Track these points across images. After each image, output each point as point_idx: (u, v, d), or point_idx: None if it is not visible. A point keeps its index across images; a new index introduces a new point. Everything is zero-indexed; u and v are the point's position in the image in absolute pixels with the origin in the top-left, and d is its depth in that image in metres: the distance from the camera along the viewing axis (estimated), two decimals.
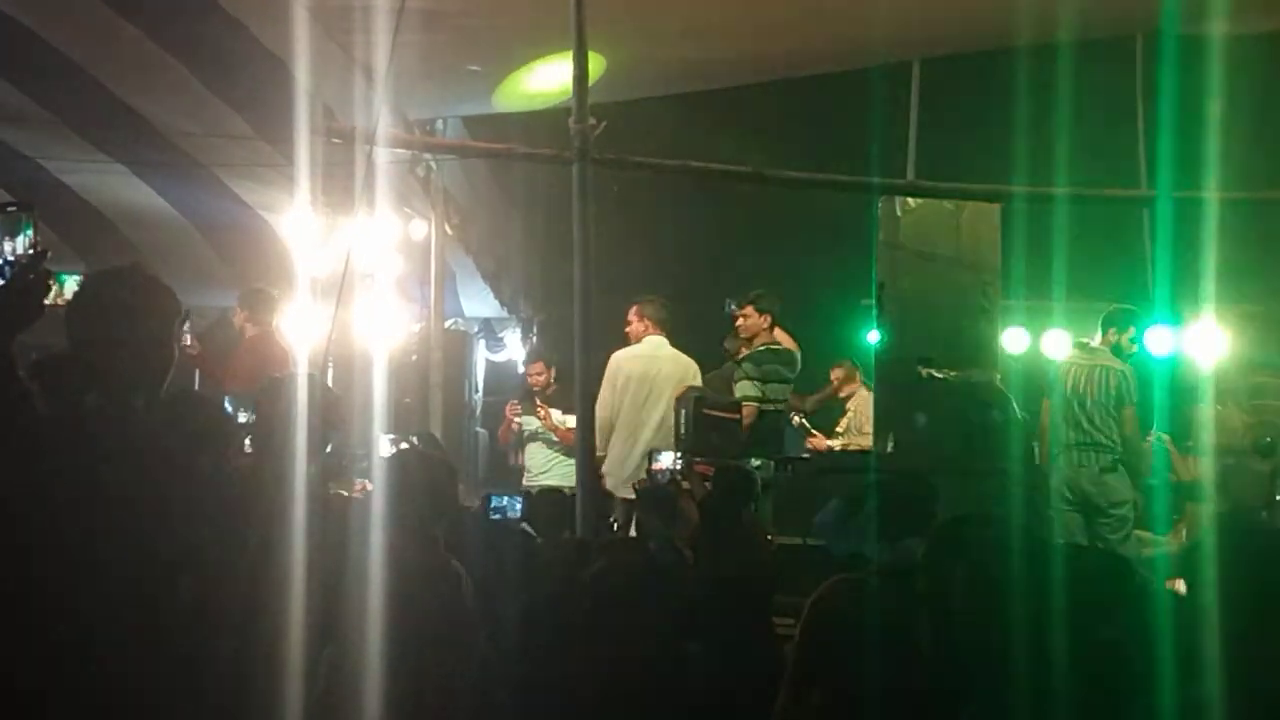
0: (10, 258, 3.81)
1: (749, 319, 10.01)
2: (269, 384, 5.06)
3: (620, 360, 10.18)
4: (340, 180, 11.34)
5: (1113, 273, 15.10)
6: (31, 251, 3.79)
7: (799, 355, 10.08)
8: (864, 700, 3.93)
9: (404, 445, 10.02)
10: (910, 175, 13.30)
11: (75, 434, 3.83)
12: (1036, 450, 9.76)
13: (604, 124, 7.99)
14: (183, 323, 4.05)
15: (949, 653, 3.92)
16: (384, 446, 10.05)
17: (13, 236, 3.82)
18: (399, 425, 11.67)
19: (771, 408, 9.68)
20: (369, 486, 5.93)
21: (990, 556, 3.72)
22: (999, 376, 9.81)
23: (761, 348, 9.93)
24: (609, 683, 4.31)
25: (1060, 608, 3.31)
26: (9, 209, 3.82)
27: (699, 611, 4.88)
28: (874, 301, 9.92)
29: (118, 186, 12.74)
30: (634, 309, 10.44)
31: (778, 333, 10.07)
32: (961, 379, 9.43)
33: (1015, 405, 9.91)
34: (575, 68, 7.92)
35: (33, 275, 3.83)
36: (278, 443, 4.51)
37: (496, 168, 14.02)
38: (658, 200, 14.30)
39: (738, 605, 5.44)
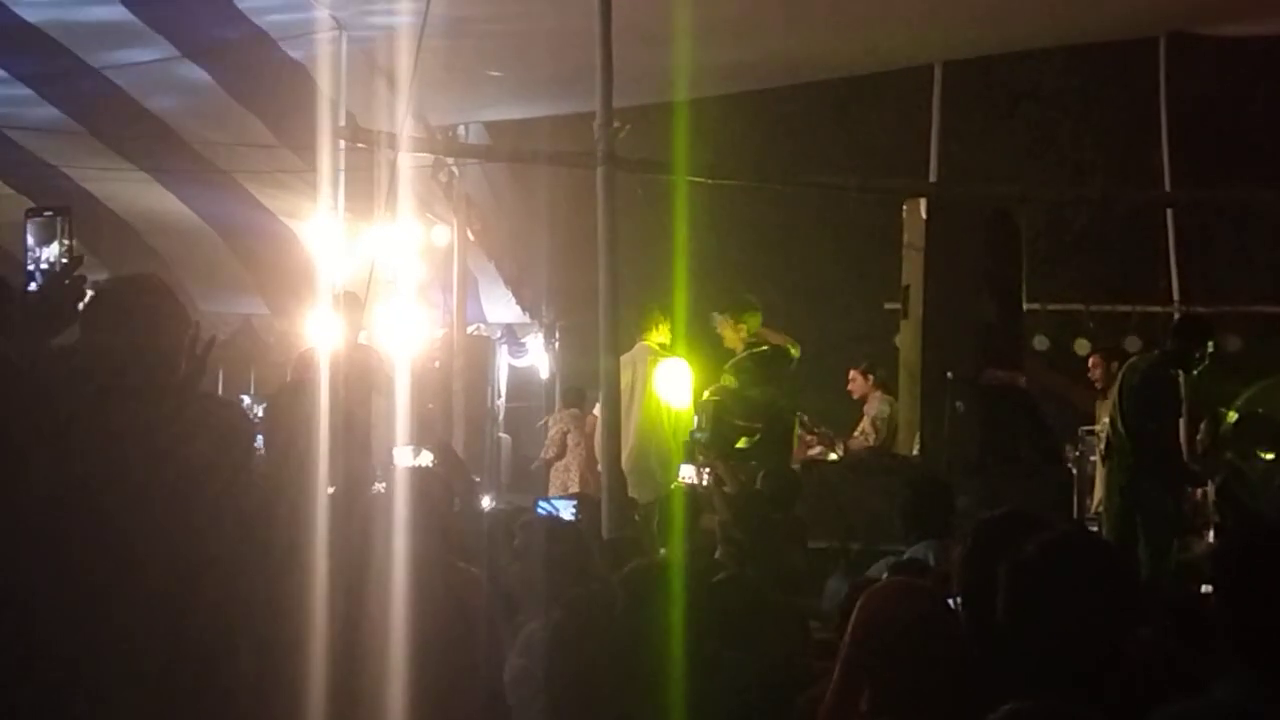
0: (45, 264, 3.83)
1: (725, 331, 10.01)
2: (283, 391, 5.06)
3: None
4: (363, 186, 11.37)
5: (1135, 275, 15.12)
6: (66, 258, 3.81)
7: (791, 349, 10.03)
8: (913, 701, 3.91)
9: (421, 455, 10.04)
10: (933, 177, 13.31)
11: (94, 437, 3.84)
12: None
13: (627, 127, 8.00)
14: (194, 336, 4.06)
15: (989, 653, 3.92)
16: (403, 457, 10.09)
17: (48, 242, 3.84)
18: (422, 431, 11.65)
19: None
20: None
21: (1031, 554, 3.72)
22: (1023, 379, 9.79)
23: (743, 354, 9.93)
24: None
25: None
26: (45, 214, 3.83)
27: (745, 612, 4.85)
28: (899, 305, 9.92)
29: (141, 193, 12.79)
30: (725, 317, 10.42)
31: (765, 333, 10.05)
32: (986, 380, 9.41)
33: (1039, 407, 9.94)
34: (600, 73, 7.92)
35: (67, 281, 3.85)
36: (296, 450, 4.51)
37: (518, 173, 14.03)
38: (677, 204, 14.30)
39: (784, 606, 5.44)
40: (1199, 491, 10.31)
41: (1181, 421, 9.92)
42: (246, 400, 12.30)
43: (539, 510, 7.29)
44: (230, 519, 4.53)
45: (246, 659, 3.97)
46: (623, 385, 9.84)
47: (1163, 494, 8.92)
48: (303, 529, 4.53)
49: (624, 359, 10.02)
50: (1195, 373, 9.44)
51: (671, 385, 9.95)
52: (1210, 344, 9.29)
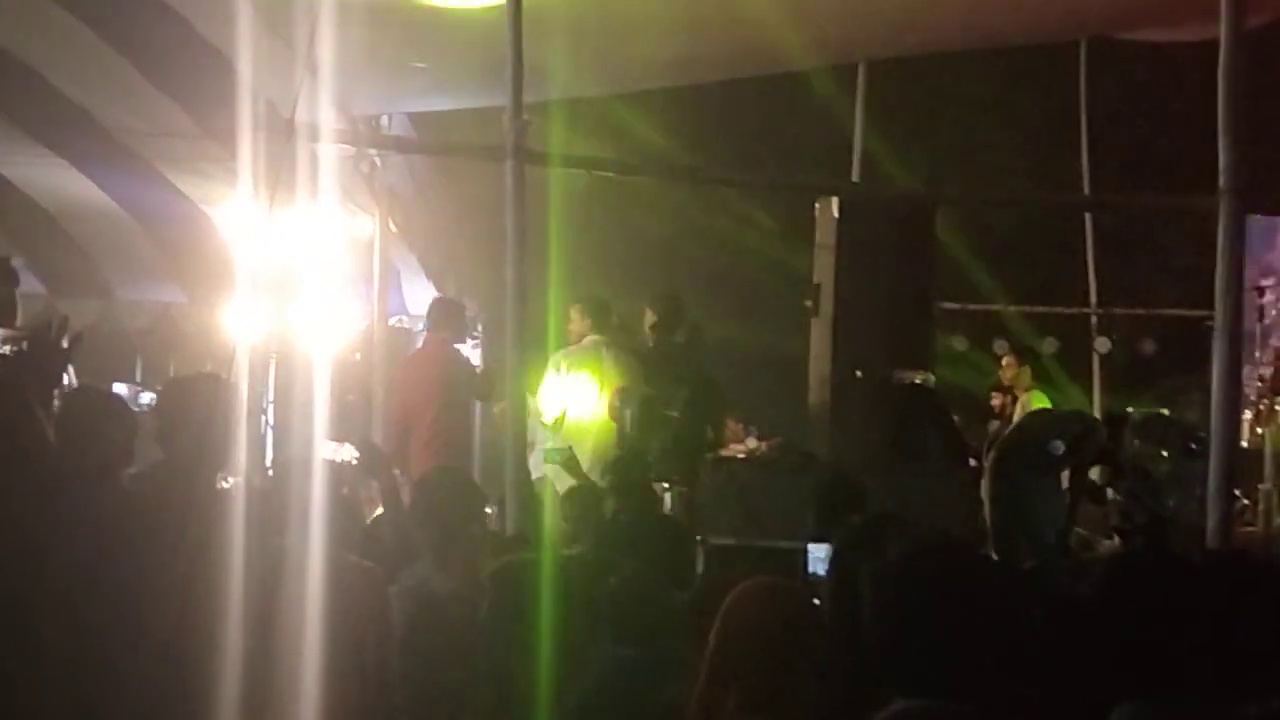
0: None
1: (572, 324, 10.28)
2: (174, 384, 5.03)
3: (561, 360, 10.25)
4: (283, 175, 11.29)
5: (1053, 277, 15.23)
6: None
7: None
8: (779, 701, 3.91)
9: (344, 450, 10.01)
10: (855, 176, 13.38)
11: None
12: None
13: (536, 120, 7.99)
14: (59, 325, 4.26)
15: (856, 655, 3.93)
16: (324, 452, 10.04)
17: None
18: (343, 423, 11.61)
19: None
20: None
21: (897, 559, 3.73)
22: (933, 379, 9.84)
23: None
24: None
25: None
26: None
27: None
28: (811, 303, 9.95)
29: (59, 180, 12.65)
30: (575, 307, 10.50)
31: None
32: (895, 380, 9.46)
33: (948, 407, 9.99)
34: (512, 65, 7.91)
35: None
36: (186, 444, 4.49)
37: (443, 165, 13.99)
38: (605, 200, 14.32)
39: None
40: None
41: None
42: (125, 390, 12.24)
43: None
44: (102, 510, 4.51)
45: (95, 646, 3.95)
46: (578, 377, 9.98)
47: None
48: (191, 520, 4.51)
49: (577, 350, 10.15)
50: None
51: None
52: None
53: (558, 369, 10.24)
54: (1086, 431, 9.43)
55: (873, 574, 3.55)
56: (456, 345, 11.45)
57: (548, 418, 10.20)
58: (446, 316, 11.25)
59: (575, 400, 10.04)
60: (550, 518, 7.67)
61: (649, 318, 10.46)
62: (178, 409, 4.63)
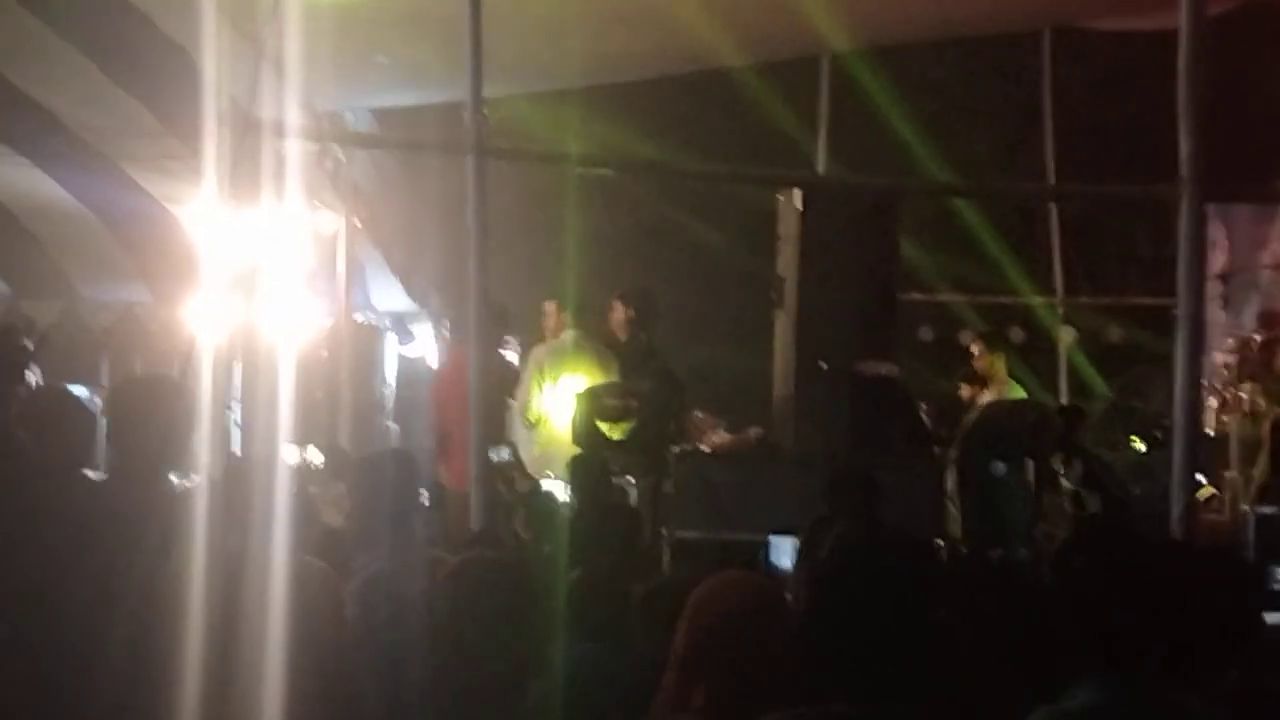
0: None
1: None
2: (124, 385, 5.01)
3: (539, 355, 10.31)
4: (247, 172, 11.25)
5: (1019, 267, 15.25)
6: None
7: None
8: (747, 695, 3.90)
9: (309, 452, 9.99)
10: (821, 169, 13.38)
11: None
12: None
13: (498, 115, 7.99)
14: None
15: (812, 649, 3.91)
16: (289, 455, 10.01)
17: None
18: (309, 421, 11.58)
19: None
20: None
21: (842, 555, 3.73)
22: (897, 370, 9.85)
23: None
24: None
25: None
26: None
27: None
28: (775, 295, 9.95)
29: (19, 178, 12.58)
30: (552, 303, 10.56)
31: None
32: (859, 372, 9.46)
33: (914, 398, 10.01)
34: (472, 59, 7.90)
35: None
36: (136, 446, 4.46)
37: (408, 161, 13.96)
38: (568, 195, 14.31)
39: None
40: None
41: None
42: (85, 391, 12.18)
43: None
44: (66, 508, 4.49)
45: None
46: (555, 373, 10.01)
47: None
48: (148, 521, 4.49)
49: (554, 346, 10.19)
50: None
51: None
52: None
53: (539, 368, 10.25)
54: (1043, 420, 9.46)
55: (807, 572, 3.53)
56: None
57: (531, 416, 10.22)
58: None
59: (555, 398, 10.07)
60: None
61: (622, 313, 10.45)
62: (126, 411, 4.59)
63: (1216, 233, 13.19)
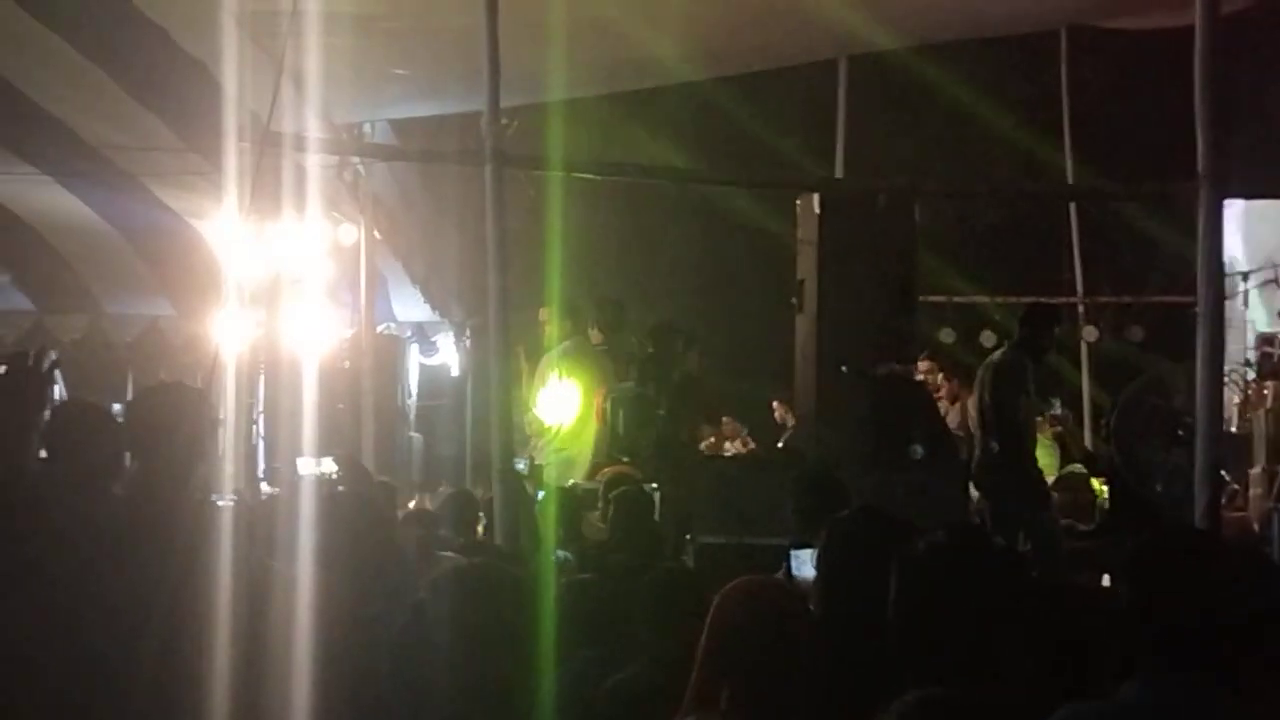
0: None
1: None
2: (145, 392, 5.02)
3: (557, 363, 10.37)
4: (268, 186, 11.30)
5: (1039, 267, 15.25)
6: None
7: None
8: (770, 699, 3.92)
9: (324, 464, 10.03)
10: (839, 172, 13.38)
11: None
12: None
13: (515, 124, 8.01)
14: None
15: (842, 652, 3.94)
16: (305, 467, 10.07)
17: None
18: (331, 432, 11.62)
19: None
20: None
21: (875, 553, 3.74)
22: (916, 372, 9.86)
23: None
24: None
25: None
26: None
27: None
28: (796, 300, 9.97)
29: (43, 195, 12.66)
30: (545, 309, 10.66)
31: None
32: (882, 375, 9.47)
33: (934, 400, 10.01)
34: (488, 69, 7.93)
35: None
36: (156, 454, 4.47)
37: (427, 171, 14.01)
38: (586, 203, 14.35)
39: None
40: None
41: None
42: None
43: None
44: (92, 522, 4.51)
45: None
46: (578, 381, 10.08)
47: (1024, 482, 9.12)
48: (174, 531, 4.50)
49: (563, 352, 10.25)
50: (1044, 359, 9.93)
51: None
52: (1055, 329, 10.04)
53: (556, 373, 10.30)
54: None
55: (900, 564, 3.54)
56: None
57: (550, 423, 10.26)
58: None
59: (571, 403, 10.12)
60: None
61: (594, 318, 10.67)
62: (145, 420, 4.60)
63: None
